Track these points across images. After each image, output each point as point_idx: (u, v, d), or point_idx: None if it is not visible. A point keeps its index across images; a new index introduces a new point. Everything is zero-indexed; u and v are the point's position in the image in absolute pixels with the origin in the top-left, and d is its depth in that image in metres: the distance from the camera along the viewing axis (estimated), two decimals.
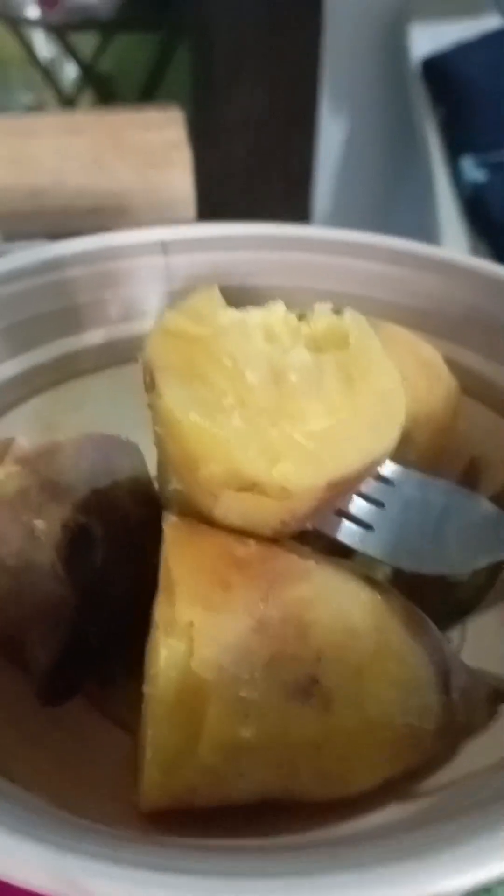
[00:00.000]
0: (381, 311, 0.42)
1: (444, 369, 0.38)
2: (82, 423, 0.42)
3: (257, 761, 0.25)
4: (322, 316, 0.30)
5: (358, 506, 0.32)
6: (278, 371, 0.28)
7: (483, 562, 0.32)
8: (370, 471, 0.30)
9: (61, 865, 0.19)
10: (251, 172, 1.59)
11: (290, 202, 1.57)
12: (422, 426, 0.36)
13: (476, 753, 0.28)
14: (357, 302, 0.42)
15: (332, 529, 0.31)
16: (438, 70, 1.45)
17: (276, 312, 0.30)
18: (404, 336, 0.37)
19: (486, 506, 0.33)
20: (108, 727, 0.31)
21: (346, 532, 0.32)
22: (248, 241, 0.44)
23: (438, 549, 0.32)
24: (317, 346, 0.29)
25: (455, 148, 1.43)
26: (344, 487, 0.29)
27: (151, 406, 0.28)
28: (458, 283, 0.42)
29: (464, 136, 1.43)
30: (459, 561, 0.32)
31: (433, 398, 0.37)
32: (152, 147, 0.59)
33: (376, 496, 0.32)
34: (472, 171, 1.41)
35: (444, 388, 0.37)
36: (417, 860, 0.20)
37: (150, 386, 0.28)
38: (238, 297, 0.40)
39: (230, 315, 0.29)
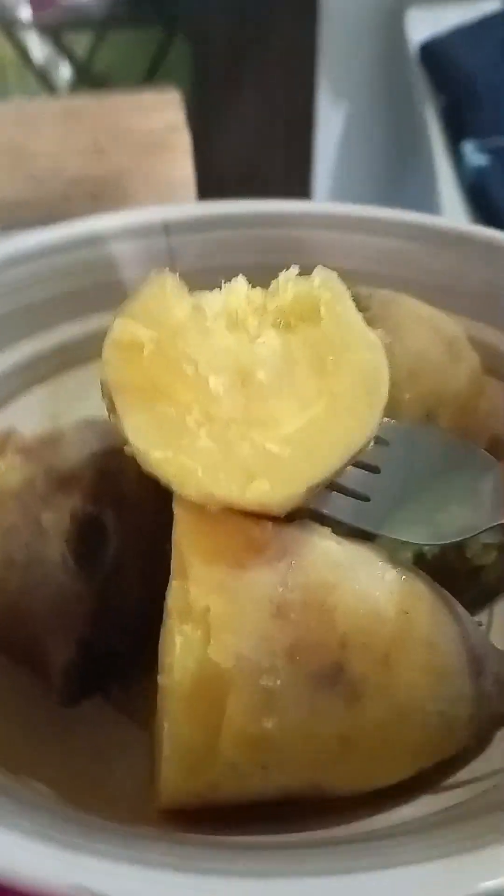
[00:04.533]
0: (396, 288, 0.40)
1: (466, 346, 0.36)
2: (86, 411, 0.41)
3: (281, 755, 0.24)
4: (289, 285, 0.27)
5: (352, 475, 0.29)
6: (245, 370, 0.26)
7: (486, 524, 0.30)
8: (354, 458, 0.27)
9: (75, 867, 0.17)
10: (251, 164, 1.58)
11: (290, 192, 1.55)
12: (445, 405, 0.34)
13: None
14: (371, 279, 0.40)
15: (324, 504, 0.29)
16: (437, 55, 1.44)
17: (237, 292, 0.27)
18: (426, 312, 0.36)
19: (484, 457, 0.31)
20: (124, 723, 0.30)
21: (339, 506, 0.29)
22: (253, 218, 0.43)
23: (440, 515, 0.30)
24: (286, 322, 0.27)
25: (456, 133, 1.42)
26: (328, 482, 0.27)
27: (116, 429, 0.26)
28: (476, 258, 0.41)
29: (464, 121, 1.42)
30: (462, 528, 0.30)
31: (456, 377, 0.35)
32: (151, 131, 0.57)
33: (370, 460, 0.29)
34: (474, 155, 1.39)
35: (467, 366, 0.36)
36: (460, 857, 0.18)
37: (111, 409, 0.26)
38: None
39: (185, 307, 0.26)
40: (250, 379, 0.26)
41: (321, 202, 0.44)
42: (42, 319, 0.40)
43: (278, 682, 0.24)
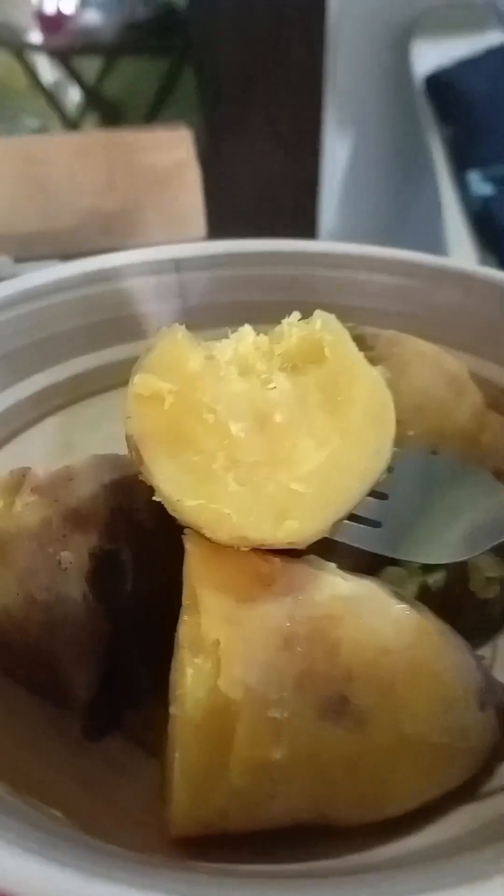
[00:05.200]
0: (397, 325, 0.41)
1: (469, 383, 0.37)
2: (99, 442, 0.42)
3: (290, 783, 0.25)
4: (293, 329, 0.29)
5: (362, 502, 0.30)
6: (262, 413, 0.27)
7: (497, 539, 0.30)
8: (372, 486, 0.29)
9: (89, 892, 0.18)
10: (258, 193, 1.60)
11: (297, 222, 1.58)
12: (448, 440, 0.35)
13: None
14: (373, 316, 0.42)
15: (337, 533, 0.29)
16: (442, 86, 1.46)
17: (245, 339, 0.29)
18: (429, 349, 0.37)
19: (489, 478, 0.32)
20: (134, 752, 0.31)
21: (353, 533, 0.30)
22: (260, 257, 0.44)
23: (449, 534, 0.31)
24: (293, 365, 0.29)
25: (461, 163, 1.44)
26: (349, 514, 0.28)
27: (145, 479, 0.27)
28: (475, 295, 0.42)
29: (470, 151, 1.44)
30: (471, 545, 0.31)
31: (459, 412, 0.36)
32: (162, 166, 0.59)
33: (378, 487, 0.30)
34: (479, 185, 1.41)
35: (470, 402, 0.37)
36: (467, 887, 0.19)
37: (139, 461, 0.27)
38: (250, 315, 0.40)
39: (199, 358, 0.28)
40: (268, 422, 0.27)
41: (325, 241, 0.45)
42: (56, 353, 0.41)
43: (286, 713, 0.24)
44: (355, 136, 1.56)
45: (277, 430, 0.27)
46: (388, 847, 0.26)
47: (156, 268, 0.43)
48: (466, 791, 0.27)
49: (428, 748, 0.26)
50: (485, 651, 0.34)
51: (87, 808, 0.27)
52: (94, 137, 0.59)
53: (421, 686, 0.26)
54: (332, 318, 0.29)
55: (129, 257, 0.43)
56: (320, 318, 0.29)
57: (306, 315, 0.29)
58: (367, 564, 0.31)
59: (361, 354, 0.28)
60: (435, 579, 0.34)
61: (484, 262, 1.37)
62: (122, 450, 0.37)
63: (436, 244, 1.37)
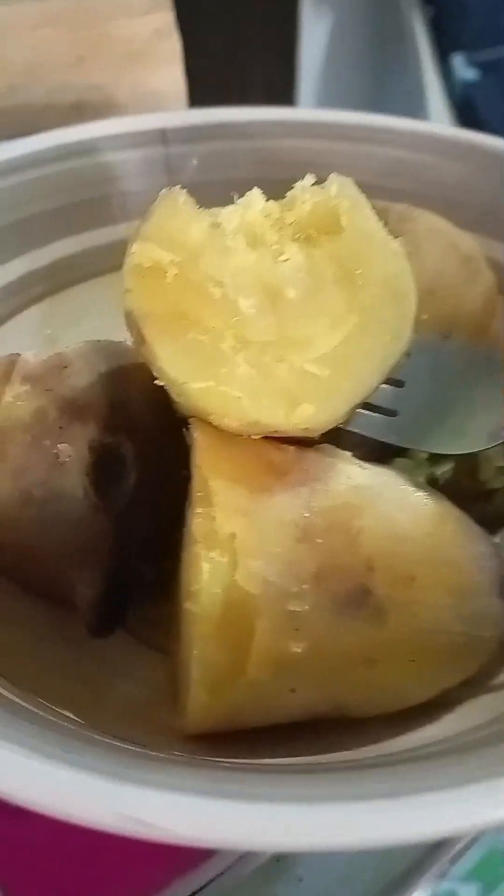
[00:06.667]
0: (402, 201, 0.39)
1: (483, 264, 0.35)
2: (84, 336, 0.40)
3: (308, 677, 0.24)
4: (306, 195, 0.26)
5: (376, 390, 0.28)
6: (272, 288, 0.25)
7: None
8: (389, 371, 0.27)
9: (120, 796, 0.17)
10: (231, 67, 1.51)
11: (273, 101, 1.50)
12: (460, 325, 0.33)
13: None
14: (377, 192, 0.39)
15: (350, 423, 0.28)
16: None
17: (254, 206, 0.26)
18: (443, 227, 0.34)
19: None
20: (136, 649, 0.30)
21: (368, 423, 0.29)
22: (254, 126, 0.41)
23: (464, 425, 0.30)
24: (306, 234, 0.26)
25: (445, 46, 1.36)
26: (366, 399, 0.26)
27: (146, 361, 0.25)
28: (485, 169, 0.39)
29: (453, 33, 1.36)
30: (487, 436, 0.30)
31: (473, 295, 0.34)
32: (138, 36, 0.54)
33: (393, 374, 0.28)
34: (463, 69, 1.34)
35: (483, 286, 0.35)
36: (485, 782, 0.18)
37: (140, 340, 0.25)
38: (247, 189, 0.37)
39: (203, 226, 0.25)
40: (279, 298, 0.25)
41: (328, 110, 0.41)
42: (34, 237, 0.38)
43: (305, 606, 0.23)
44: (334, 15, 1.47)
45: (290, 308, 0.25)
46: (404, 738, 0.25)
47: (141, 139, 0.40)
48: (482, 681, 0.27)
49: (447, 637, 0.25)
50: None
51: (94, 708, 0.26)
52: (61, 4, 0.53)
53: (441, 574, 0.25)
54: (349, 182, 0.26)
55: (111, 127, 0.39)
56: (336, 183, 0.26)
57: (319, 180, 0.26)
58: (373, 455, 0.29)
59: (381, 224, 0.26)
60: (443, 470, 0.33)
61: None
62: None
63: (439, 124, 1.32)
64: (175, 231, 0.25)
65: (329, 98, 1.52)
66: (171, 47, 0.55)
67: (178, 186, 0.25)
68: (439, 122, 1.30)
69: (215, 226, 0.25)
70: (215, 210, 0.26)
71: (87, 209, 0.39)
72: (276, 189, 0.32)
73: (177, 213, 0.25)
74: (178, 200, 0.25)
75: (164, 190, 0.25)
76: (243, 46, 1.48)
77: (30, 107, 0.53)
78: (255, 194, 0.26)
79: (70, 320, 0.39)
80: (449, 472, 0.33)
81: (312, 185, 0.26)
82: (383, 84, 1.54)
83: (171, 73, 0.55)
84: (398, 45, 1.42)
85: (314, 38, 1.47)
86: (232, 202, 0.26)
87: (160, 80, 0.55)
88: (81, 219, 0.39)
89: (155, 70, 0.55)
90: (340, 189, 0.26)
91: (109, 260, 0.40)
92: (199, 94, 0.59)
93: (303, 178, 0.27)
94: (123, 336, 0.36)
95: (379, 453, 0.30)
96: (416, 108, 1.34)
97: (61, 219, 0.38)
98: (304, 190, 0.26)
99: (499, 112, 1.21)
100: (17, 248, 0.37)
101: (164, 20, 0.54)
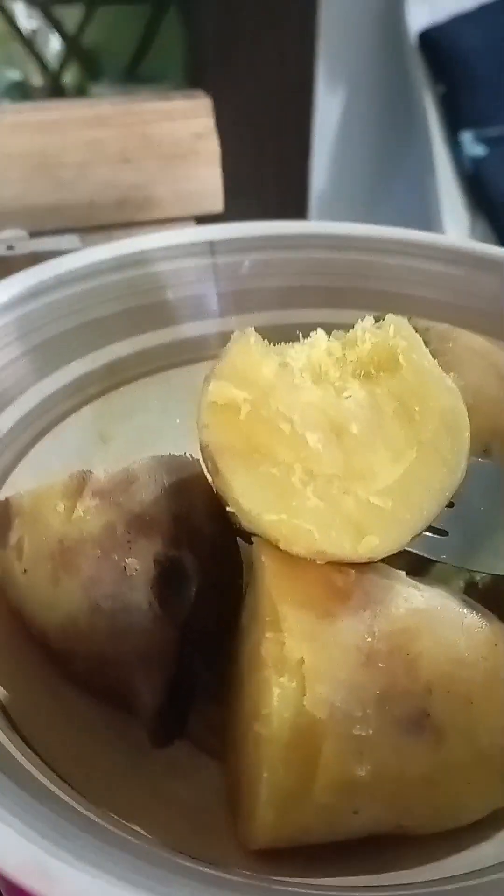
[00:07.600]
0: (439, 313, 0.41)
1: None
2: (133, 432, 0.41)
3: (372, 799, 0.25)
4: (366, 334, 0.28)
5: None
6: (337, 424, 0.27)
7: None
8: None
9: None
10: (246, 148, 1.56)
11: (287, 180, 1.54)
12: (500, 439, 0.35)
13: None
14: (414, 304, 0.41)
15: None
16: (435, 43, 1.42)
17: (318, 346, 0.28)
18: (480, 345, 0.36)
19: None
20: (197, 756, 0.30)
21: (422, 543, 0.30)
22: (297, 240, 0.43)
23: None
24: (366, 372, 0.28)
25: (454, 122, 1.41)
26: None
27: (219, 491, 0.27)
28: None
29: (463, 111, 1.41)
30: None
31: None
32: (180, 138, 0.57)
33: None
34: (472, 145, 1.39)
35: None
36: None
37: (214, 471, 0.26)
38: (289, 299, 0.39)
39: (272, 365, 0.27)
40: (344, 432, 0.26)
41: (364, 224, 0.44)
42: (92, 340, 0.40)
43: (369, 730, 0.24)
44: (347, 94, 1.53)
45: (354, 442, 0.27)
46: (461, 857, 0.26)
47: (191, 251, 0.42)
48: None
49: (501, 757, 0.26)
50: None
51: (159, 819, 0.27)
52: (108, 106, 0.56)
53: (497, 697, 0.26)
54: (404, 322, 0.28)
55: (163, 239, 0.42)
56: (393, 324, 0.28)
57: (363, 304, 0.28)
58: (416, 561, 0.31)
59: (435, 362, 0.28)
60: (482, 575, 0.34)
61: (475, 225, 1.36)
62: (156, 441, 0.37)
63: (428, 206, 1.36)
64: (247, 370, 0.26)
65: (341, 171, 1.57)
66: (211, 149, 0.58)
67: (251, 328, 0.27)
68: (449, 194, 1.35)
69: (283, 364, 0.27)
70: (282, 348, 0.28)
71: (140, 314, 0.41)
72: (313, 297, 0.33)
73: (249, 352, 0.27)
74: (250, 341, 0.27)
75: (236, 332, 0.27)
76: (261, 119, 1.53)
77: (77, 203, 0.56)
78: (320, 335, 0.28)
79: (120, 417, 0.41)
80: (487, 577, 0.34)
81: (372, 325, 0.28)
82: (394, 158, 1.59)
83: (209, 173, 0.58)
84: (409, 121, 1.47)
85: (328, 112, 1.53)
86: (299, 336, 0.28)
87: (199, 179, 0.58)
88: (135, 323, 0.41)
89: (195, 170, 0.58)
90: (397, 329, 0.28)
91: (158, 361, 0.42)
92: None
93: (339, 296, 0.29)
94: (170, 434, 0.38)
95: (421, 559, 0.32)
96: (427, 180, 1.39)
97: (117, 323, 0.40)
98: (364, 330, 0.28)
99: None
100: (77, 350, 0.39)
101: (205, 125, 0.57)
